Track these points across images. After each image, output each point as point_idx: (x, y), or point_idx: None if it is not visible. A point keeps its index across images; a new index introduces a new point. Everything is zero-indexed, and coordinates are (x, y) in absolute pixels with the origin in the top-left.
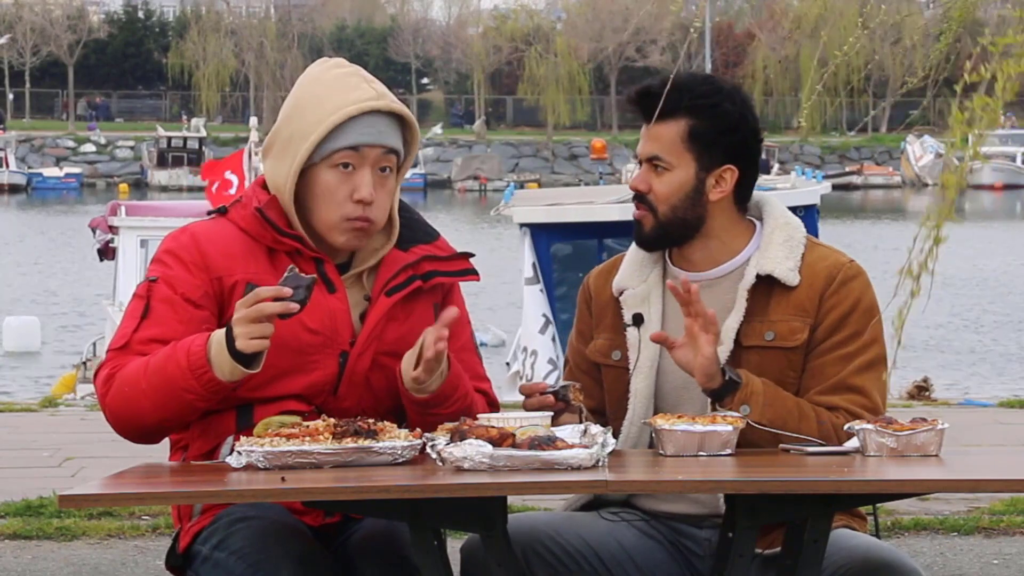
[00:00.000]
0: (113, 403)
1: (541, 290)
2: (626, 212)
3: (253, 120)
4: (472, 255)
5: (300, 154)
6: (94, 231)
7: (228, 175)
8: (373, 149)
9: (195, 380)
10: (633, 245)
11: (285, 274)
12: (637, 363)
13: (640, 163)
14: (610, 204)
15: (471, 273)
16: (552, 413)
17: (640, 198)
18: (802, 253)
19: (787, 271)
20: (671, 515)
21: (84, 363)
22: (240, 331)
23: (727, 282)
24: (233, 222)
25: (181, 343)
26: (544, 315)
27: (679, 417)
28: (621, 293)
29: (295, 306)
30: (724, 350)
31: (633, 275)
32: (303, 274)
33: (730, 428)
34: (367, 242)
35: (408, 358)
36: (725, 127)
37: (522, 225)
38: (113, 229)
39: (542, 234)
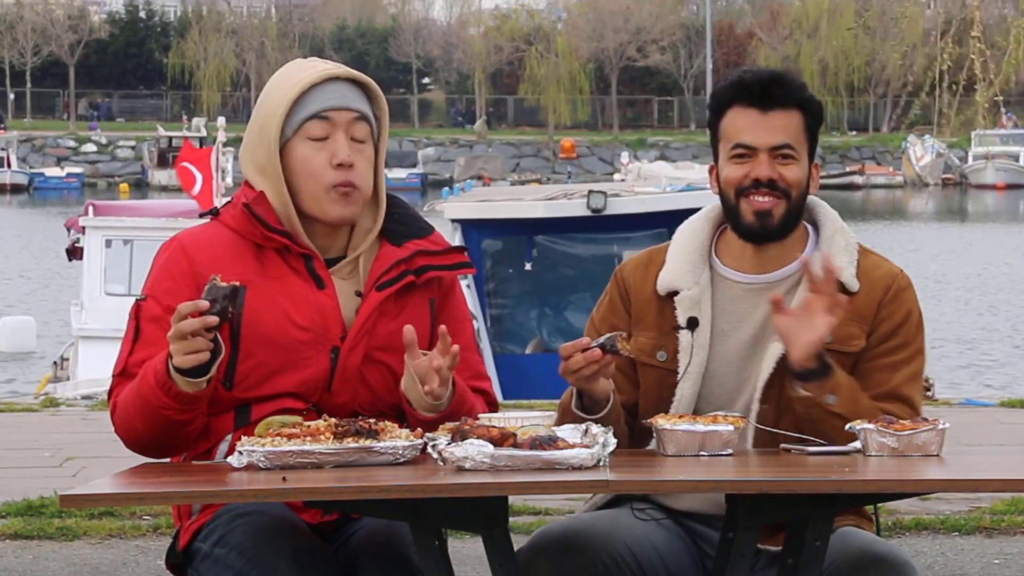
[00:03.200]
0: (119, 430)
1: (468, 286)
2: (553, 209)
3: (221, 120)
4: (466, 248)
5: (273, 131)
6: (69, 230)
7: (191, 168)
8: (341, 113)
9: (166, 396)
10: (675, 241)
11: (206, 286)
12: (688, 368)
13: (745, 152)
14: (538, 201)
15: (466, 266)
16: (590, 375)
17: (772, 185)
18: (857, 259)
19: (850, 276)
20: (686, 513)
21: (57, 362)
22: (173, 348)
23: (783, 287)
24: (224, 223)
25: (149, 364)
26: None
27: (680, 417)
28: (674, 293)
29: (213, 319)
30: (779, 348)
31: (686, 275)
32: (223, 283)
33: (731, 428)
34: (358, 211)
35: (410, 383)
36: (820, 125)
37: (453, 221)
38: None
39: (472, 230)
